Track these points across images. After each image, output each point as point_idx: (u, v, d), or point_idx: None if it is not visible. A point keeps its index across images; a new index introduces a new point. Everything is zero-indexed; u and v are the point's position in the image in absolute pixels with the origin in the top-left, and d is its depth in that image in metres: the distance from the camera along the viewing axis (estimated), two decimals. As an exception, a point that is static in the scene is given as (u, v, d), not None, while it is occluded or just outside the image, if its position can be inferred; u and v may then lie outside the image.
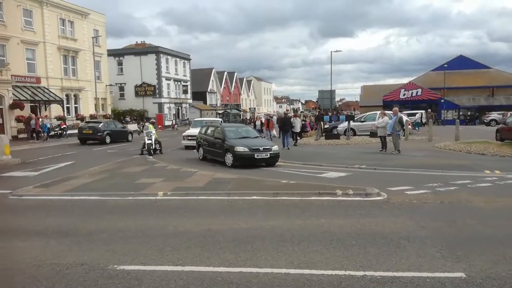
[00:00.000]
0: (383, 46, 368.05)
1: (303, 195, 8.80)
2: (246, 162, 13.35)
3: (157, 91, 54.70)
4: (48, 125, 30.81)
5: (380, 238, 5.92)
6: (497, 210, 7.55)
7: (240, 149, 13.48)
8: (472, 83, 55.98)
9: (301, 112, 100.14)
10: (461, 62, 57.86)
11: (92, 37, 38.57)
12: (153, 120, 21.91)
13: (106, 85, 43.42)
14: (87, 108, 39.56)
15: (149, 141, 17.78)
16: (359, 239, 5.86)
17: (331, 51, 43.58)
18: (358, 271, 4.74)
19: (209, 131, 15.89)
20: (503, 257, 5.10)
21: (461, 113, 49.24)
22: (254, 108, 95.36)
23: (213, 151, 15.05)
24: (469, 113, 51.34)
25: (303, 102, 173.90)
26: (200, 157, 16.00)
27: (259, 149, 13.61)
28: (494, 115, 43.95)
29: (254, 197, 8.71)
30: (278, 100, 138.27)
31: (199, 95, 66.74)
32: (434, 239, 5.83)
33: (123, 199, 8.86)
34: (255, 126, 27.82)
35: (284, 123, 20.51)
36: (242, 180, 10.70)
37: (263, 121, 28.06)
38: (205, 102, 67.58)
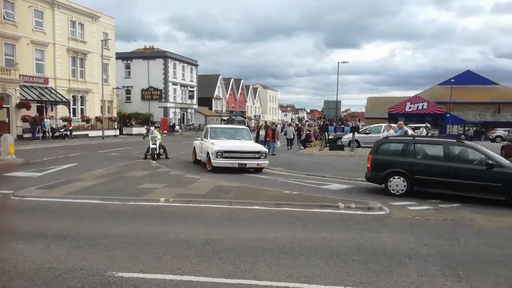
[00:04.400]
0: (388, 59, 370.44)
1: (305, 206, 8.76)
2: None
3: (163, 95, 54.94)
4: (47, 124, 31.01)
5: (381, 254, 5.87)
6: (501, 229, 7.49)
7: None
8: (478, 98, 55.89)
9: (306, 121, 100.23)
10: (468, 77, 57.87)
11: (102, 40, 38.86)
12: (157, 125, 21.95)
13: (113, 88, 43.66)
14: (93, 110, 39.75)
15: (154, 146, 17.81)
16: (359, 255, 5.82)
17: (338, 62, 43.61)
18: (358, 287, 4.70)
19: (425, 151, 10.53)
20: (505, 278, 5.05)
21: (466, 128, 49.04)
22: (259, 116, 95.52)
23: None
24: (474, 128, 51.15)
25: (308, 111, 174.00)
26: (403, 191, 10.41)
27: None
28: (500, 131, 43.73)
29: (256, 207, 8.67)
30: (283, 108, 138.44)
31: (205, 101, 66.96)
32: (435, 257, 5.78)
33: (124, 204, 8.86)
34: (258, 136, 23.68)
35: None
36: (244, 189, 10.68)
37: (267, 131, 23.75)
38: (210, 108, 67.78)
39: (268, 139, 22.71)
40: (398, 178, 10.44)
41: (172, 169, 14.74)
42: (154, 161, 16.89)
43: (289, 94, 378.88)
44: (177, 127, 52.50)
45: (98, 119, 38.28)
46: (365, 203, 9.01)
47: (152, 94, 54.94)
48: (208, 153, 14.37)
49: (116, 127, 42.11)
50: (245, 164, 14.10)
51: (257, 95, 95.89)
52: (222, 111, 71.56)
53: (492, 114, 55.32)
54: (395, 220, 7.93)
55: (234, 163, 13.99)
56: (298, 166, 16.50)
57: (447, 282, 4.90)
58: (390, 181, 10.54)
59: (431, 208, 9.01)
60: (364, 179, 13.07)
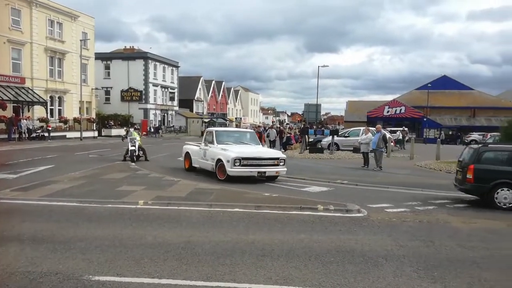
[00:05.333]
0: (367, 63, 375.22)
1: (285, 209, 8.80)
2: None
3: (143, 96, 54.37)
4: (23, 125, 30.34)
5: (359, 255, 5.96)
6: (475, 231, 7.67)
7: None
8: (454, 103, 57.38)
9: (287, 124, 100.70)
10: (445, 82, 59.47)
11: (80, 40, 38.23)
12: (137, 126, 21.73)
13: (92, 89, 43.00)
14: (71, 111, 39.04)
15: (133, 148, 17.61)
16: (337, 256, 5.88)
17: (319, 66, 44.23)
18: (335, 289, 4.75)
19: None
20: (478, 279, 5.18)
21: (442, 132, 50.22)
22: (241, 118, 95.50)
23: None
24: (450, 132, 52.43)
25: (289, 114, 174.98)
26: None
27: None
28: (475, 135, 44.90)
29: (236, 210, 8.68)
30: (264, 111, 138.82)
31: (186, 103, 66.58)
32: (411, 258, 5.89)
33: (102, 207, 8.73)
34: None
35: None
36: (224, 192, 10.66)
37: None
38: (191, 110, 67.43)
39: None
40: (507, 190, 9.66)
41: (151, 171, 14.60)
42: (133, 163, 16.69)
43: (270, 97, 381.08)
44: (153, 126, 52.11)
45: (76, 120, 37.62)
46: (343, 205, 9.12)
47: (132, 95, 54.30)
48: (218, 160, 12.56)
49: (94, 129, 41.49)
50: (265, 173, 12.58)
51: (238, 97, 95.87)
52: (203, 113, 71.27)
53: (467, 118, 56.82)
54: (372, 222, 8.04)
55: (253, 171, 12.35)
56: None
57: (422, 283, 5.00)
58: (497, 193, 9.71)
59: (408, 211, 9.17)
60: (344, 182, 13.28)
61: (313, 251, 6.10)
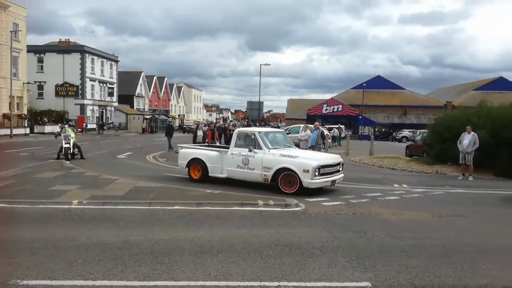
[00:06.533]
0: (307, 63, 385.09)
1: (226, 205, 8.84)
2: None
3: (80, 92, 51.91)
4: None
5: (296, 248, 6.14)
6: (403, 222, 8.17)
7: None
8: (387, 102, 60.67)
9: (230, 121, 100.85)
10: (379, 82, 62.82)
11: (11, 31, 35.71)
12: (71, 123, 20.75)
13: (24, 83, 40.35)
14: (0, 107, 36.39)
15: (67, 145, 16.80)
16: (276, 250, 6.03)
17: (261, 64, 44.62)
18: (273, 281, 4.86)
19: None
20: (405, 266, 5.51)
21: (376, 129, 52.85)
22: (184, 115, 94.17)
23: None
24: (383, 129, 55.30)
25: (233, 111, 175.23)
26: None
27: None
28: (406, 132, 47.69)
29: (177, 207, 8.58)
30: (208, 108, 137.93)
31: (126, 99, 64.41)
32: (345, 249, 6.16)
33: (33, 207, 8.26)
34: (195, 137, 20.37)
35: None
36: (165, 189, 10.50)
37: (205, 131, 21.47)
38: (132, 106, 65.38)
39: (207, 140, 20.52)
40: None
41: (87, 170, 14.02)
42: (67, 162, 15.93)
43: (213, 94, 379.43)
44: (94, 126, 50.12)
45: (6, 116, 35.15)
46: (283, 200, 9.33)
47: (67, 90, 51.63)
48: (283, 169, 10.56)
49: (26, 125, 39.02)
50: (335, 181, 11.06)
51: (181, 94, 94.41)
52: (144, 109, 69.39)
53: (399, 116, 60.29)
54: (309, 215, 8.31)
55: (328, 180, 10.75)
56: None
57: (354, 272, 5.25)
58: None
59: (343, 204, 9.58)
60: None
61: (253, 245, 6.20)
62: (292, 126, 29.80)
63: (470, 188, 12.79)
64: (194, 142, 19.80)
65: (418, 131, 38.68)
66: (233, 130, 32.96)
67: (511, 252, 6.40)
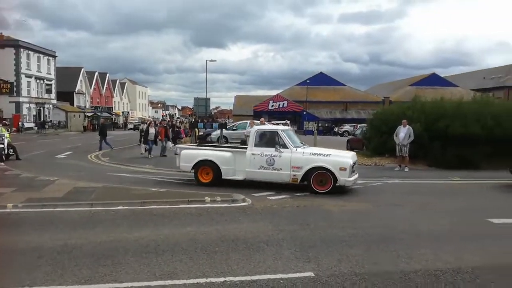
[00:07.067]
0: (253, 59, 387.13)
1: (172, 203, 8.75)
2: None
3: (14, 89, 48.77)
4: None
5: (242, 243, 6.21)
6: (344, 213, 8.50)
7: None
8: (330, 97, 62.79)
9: (177, 118, 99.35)
10: (321, 79, 64.87)
11: None
12: (6, 122, 19.53)
13: None
14: None
15: (1, 146, 15.80)
16: (222, 246, 6.06)
17: (207, 60, 44.43)
18: (219, 277, 4.89)
19: None
20: (346, 255, 5.75)
21: (320, 124, 54.45)
22: (128, 112, 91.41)
23: None
24: (326, 124, 57.14)
25: (180, 108, 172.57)
26: None
27: None
28: (347, 127, 49.51)
29: (120, 207, 8.36)
30: (154, 105, 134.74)
31: (65, 96, 61.36)
32: (289, 241, 6.32)
33: (-39, 214, 7.71)
34: (147, 135, 19.62)
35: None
36: (108, 189, 10.18)
37: (157, 129, 20.49)
38: (72, 104, 62.44)
39: (159, 138, 19.99)
40: None
41: (23, 171, 13.27)
42: (1, 163, 15.00)
43: (159, 90, 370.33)
44: (32, 124, 47.47)
45: None
46: (229, 195, 9.37)
47: (1, 87, 48.34)
48: (316, 168, 10.34)
49: (-48, 125, 36.04)
50: (357, 178, 11.22)
51: (125, 90, 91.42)
52: (85, 107, 66.53)
53: (340, 111, 62.57)
54: (256, 210, 8.43)
55: (356, 178, 11.00)
56: (167, 163, 16.33)
57: (298, 263, 5.41)
58: None
59: (288, 197, 9.80)
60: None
61: (199, 242, 6.19)
62: (239, 122, 29.92)
63: (406, 179, 13.56)
64: (145, 140, 19.33)
65: (358, 125, 40.27)
66: (178, 127, 32.70)
67: (443, 237, 6.88)
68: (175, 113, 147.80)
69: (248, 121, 22.92)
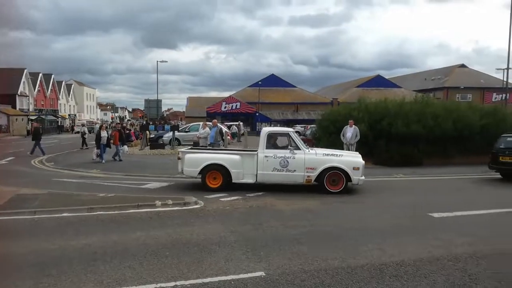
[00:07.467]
0: (205, 61, 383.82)
1: (121, 208, 8.52)
2: None
3: None
4: None
5: (194, 246, 6.17)
6: (296, 212, 8.66)
7: None
8: (281, 99, 63.85)
9: (128, 120, 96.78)
10: (273, 81, 65.94)
11: None
12: None
13: None
14: None
15: None
16: (173, 249, 5.99)
17: (157, 61, 43.60)
18: (169, 282, 4.83)
19: None
20: (296, 253, 5.87)
21: (272, 125, 55.18)
22: (75, 115, 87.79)
23: None
24: (278, 125, 58.02)
25: (130, 110, 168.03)
26: None
27: None
28: (298, 127, 50.47)
29: (65, 214, 8.03)
30: (102, 107, 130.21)
31: (7, 98, 57.83)
32: (241, 242, 6.36)
33: None
34: (99, 139, 18.30)
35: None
36: (52, 196, 9.73)
37: (110, 133, 19.61)
38: (14, 107, 58.97)
39: (113, 142, 18.82)
40: None
41: (-42, 179, 12.39)
42: None
43: (108, 92, 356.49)
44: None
45: None
46: (181, 198, 9.28)
47: None
48: (330, 168, 10.62)
49: None
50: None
51: (71, 92, 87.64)
52: (29, 109, 63.13)
53: (292, 113, 63.74)
54: (208, 212, 8.40)
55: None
56: (117, 167, 15.87)
57: (250, 263, 5.45)
58: None
59: (240, 198, 9.85)
60: (184, 175, 13.49)
61: (149, 247, 6.08)
62: (192, 124, 29.66)
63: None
64: (98, 143, 18.30)
65: (309, 126, 41.22)
66: (129, 129, 31.88)
67: (387, 232, 7.17)
68: (126, 115, 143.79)
69: (201, 123, 22.77)
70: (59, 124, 69.30)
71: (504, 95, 36.36)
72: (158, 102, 32.24)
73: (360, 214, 8.63)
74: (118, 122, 36.03)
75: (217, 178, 10.96)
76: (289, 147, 10.81)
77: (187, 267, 5.28)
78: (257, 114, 57.68)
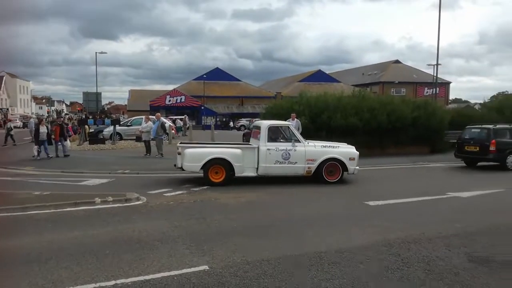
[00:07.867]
0: (147, 53, 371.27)
1: (57, 206, 8.14)
2: None
3: None
4: None
5: (136, 243, 6.05)
6: (241, 204, 8.76)
7: None
8: (226, 93, 63.95)
9: (66, 114, 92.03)
10: (218, 74, 65.83)
11: None
12: None
13: None
14: None
15: None
16: (113, 247, 5.83)
17: (96, 52, 41.83)
18: (109, 281, 4.71)
19: None
20: (239, 246, 5.94)
21: (218, 119, 55.12)
22: (7, 109, 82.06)
23: None
24: (224, 119, 58.09)
25: (68, 103, 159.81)
26: None
27: None
28: (243, 121, 50.87)
29: (-4, 215, 7.55)
30: (38, 100, 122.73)
31: None
32: (185, 237, 6.33)
33: None
34: (37, 135, 16.89)
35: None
36: (-20, 196, 9.09)
37: (51, 128, 18.36)
38: None
39: (54, 137, 17.47)
40: None
41: None
42: None
43: (44, 84, 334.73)
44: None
45: None
46: (123, 195, 9.02)
47: None
48: (329, 159, 11.25)
49: None
50: None
51: (3, 85, 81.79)
52: (-48, 103, 58.19)
53: (237, 106, 64.09)
54: (151, 208, 8.27)
55: None
56: (53, 164, 15.10)
57: (193, 258, 5.44)
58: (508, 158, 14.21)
59: (185, 192, 9.78)
60: (126, 171, 13.19)
61: (88, 246, 5.88)
62: (134, 118, 28.81)
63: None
64: (37, 139, 16.87)
65: (254, 119, 41.58)
66: (67, 124, 30.36)
67: (327, 221, 7.46)
68: (63, 109, 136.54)
69: (143, 117, 22.21)
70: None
71: (434, 89, 38.80)
72: (97, 95, 30.79)
73: (301, 204, 8.92)
74: (60, 116, 34.08)
75: (219, 173, 10.88)
76: (292, 139, 11.18)
77: (128, 265, 5.17)
78: (202, 107, 57.28)
